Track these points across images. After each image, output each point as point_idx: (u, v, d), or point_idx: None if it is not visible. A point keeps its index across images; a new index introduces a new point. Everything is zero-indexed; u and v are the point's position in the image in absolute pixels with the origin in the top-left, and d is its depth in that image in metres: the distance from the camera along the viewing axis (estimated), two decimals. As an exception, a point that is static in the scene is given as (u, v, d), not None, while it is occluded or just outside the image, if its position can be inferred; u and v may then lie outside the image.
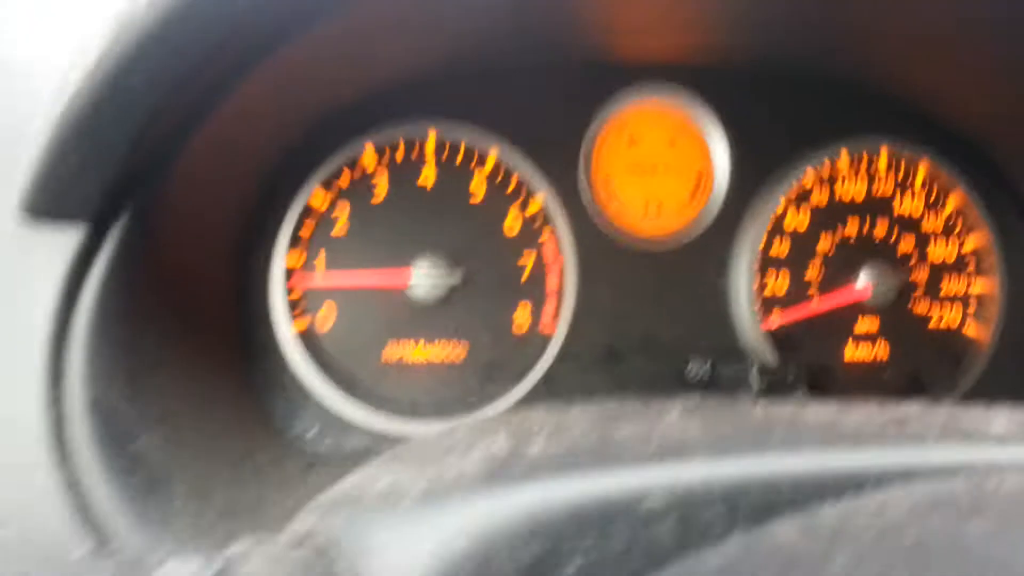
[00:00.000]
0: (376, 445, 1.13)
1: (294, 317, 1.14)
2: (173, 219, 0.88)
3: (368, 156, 1.17)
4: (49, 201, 0.75)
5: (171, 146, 0.80)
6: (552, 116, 1.21)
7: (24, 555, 0.70)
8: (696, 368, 1.21)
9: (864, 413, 0.66)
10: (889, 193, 1.28)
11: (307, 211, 1.15)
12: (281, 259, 1.13)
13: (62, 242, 0.76)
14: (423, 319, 1.18)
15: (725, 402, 0.75)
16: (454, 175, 1.19)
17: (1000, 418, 0.63)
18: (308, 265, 1.16)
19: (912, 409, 0.69)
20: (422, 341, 1.18)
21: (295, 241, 1.14)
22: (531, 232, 1.21)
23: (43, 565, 0.69)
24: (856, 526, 0.42)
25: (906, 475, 0.52)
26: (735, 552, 0.45)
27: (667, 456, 0.54)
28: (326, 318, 1.16)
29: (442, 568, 0.48)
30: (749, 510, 0.51)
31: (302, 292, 1.16)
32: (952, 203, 1.29)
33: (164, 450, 0.81)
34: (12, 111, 0.81)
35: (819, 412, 0.67)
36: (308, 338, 1.15)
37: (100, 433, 0.76)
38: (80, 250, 0.76)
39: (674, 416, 0.67)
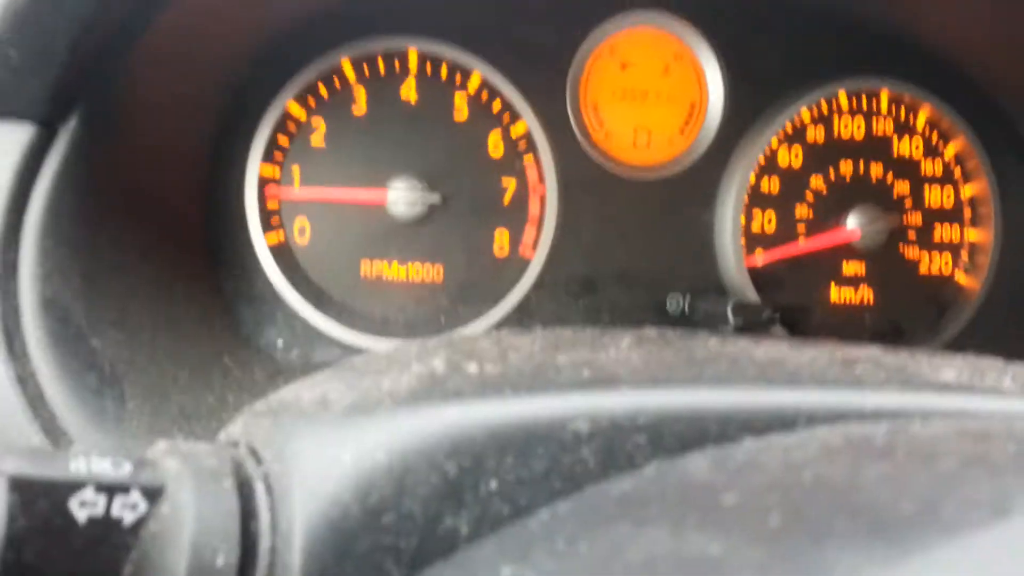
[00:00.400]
0: (344, 357, 1.13)
1: (269, 228, 1.13)
2: (132, 120, 0.86)
3: (347, 68, 1.13)
4: None
5: (120, 45, 0.77)
6: (540, 37, 1.17)
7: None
8: (674, 302, 1.20)
9: (817, 353, 0.65)
10: (888, 133, 1.24)
11: (283, 122, 1.12)
12: (255, 169, 1.11)
13: (11, 138, 0.75)
14: (401, 237, 1.16)
15: (684, 335, 0.74)
16: (437, 91, 1.16)
17: (953, 367, 0.62)
18: (285, 177, 1.14)
19: (869, 352, 0.68)
20: (395, 262, 1.16)
21: (271, 152, 1.12)
22: (515, 155, 1.18)
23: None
24: (763, 463, 0.41)
25: (835, 416, 0.51)
26: (645, 479, 0.44)
27: (597, 384, 0.53)
28: (302, 231, 1.15)
29: (359, 480, 0.47)
30: (673, 441, 0.50)
31: (278, 204, 1.14)
32: (952, 148, 1.24)
33: (119, 352, 0.81)
34: None
35: (771, 349, 0.66)
36: (283, 250, 1.14)
37: (53, 331, 0.76)
38: (29, 148, 0.75)
39: (623, 345, 0.66)
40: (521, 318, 1.18)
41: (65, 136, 0.77)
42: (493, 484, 0.49)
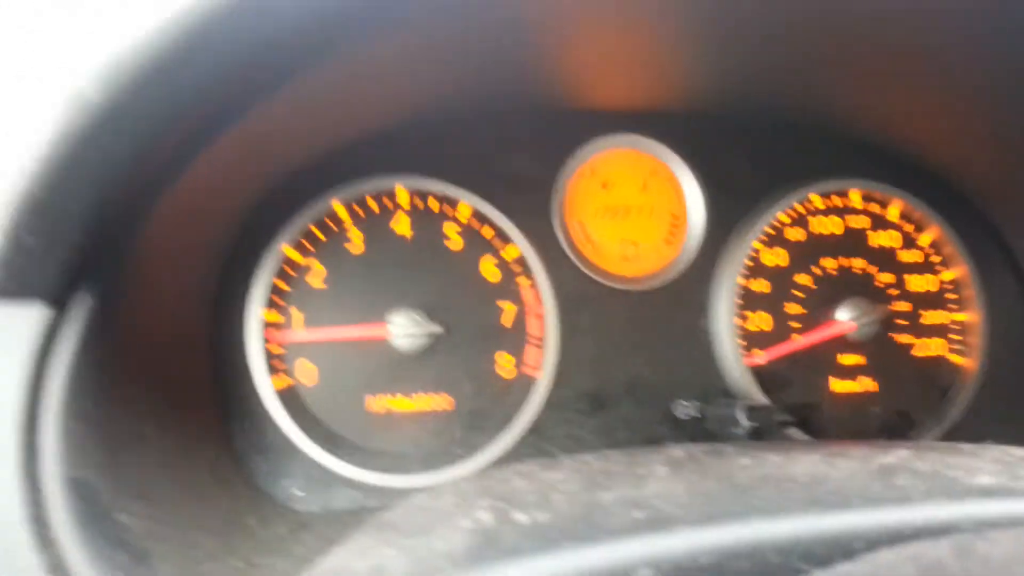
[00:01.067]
0: (365, 501, 1.11)
1: (274, 373, 1.13)
2: (139, 289, 0.87)
3: (339, 210, 1.16)
4: (6, 282, 0.74)
5: (132, 219, 0.79)
6: (522, 164, 1.22)
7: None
8: (683, 410, 1.21)
9: (852, 464, 0.66)
10: (865, 227, 1.29)
11: (281, 267, 1.14)
12: (258, 315, 1.12)
13: (26, 320, 0.75)
14: (405, 370, 1.17)
15: (711, 452, 0.74)
16: (429, 224, 1.19)
17: (985, 467, 0.63)
18: (286, 321, 1.15)
19: (900, 456, 0.69)
20: (401, 395, 1.17)
21: (272, 298, 1.13)
22: (510, 278, 1.21)
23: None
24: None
25: (894, 536, 0.52)
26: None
27: (653, 526, 0.53)
28: (307, 373, 1.15)
29: (430, 654, 0.47)
30: (738, 580, 0.50)
31: (281, 348, 1.15)
32: (928, 237, 1.30)
33: (147, 525, 0.79)
34: None
35: (807, 466, 0.67)
36: (290, 394, 1.14)
37: (80, 511, 0.74)
38: (44, 328, 0.75)
39: (661, 474, 0.66)
40: (535, 440, 1.18)
41: (76, 311, 0.78)
42: (566, 643, 0.48)
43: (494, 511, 0.59)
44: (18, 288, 0.75)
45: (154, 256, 0.88)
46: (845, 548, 0.52)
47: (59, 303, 0.77)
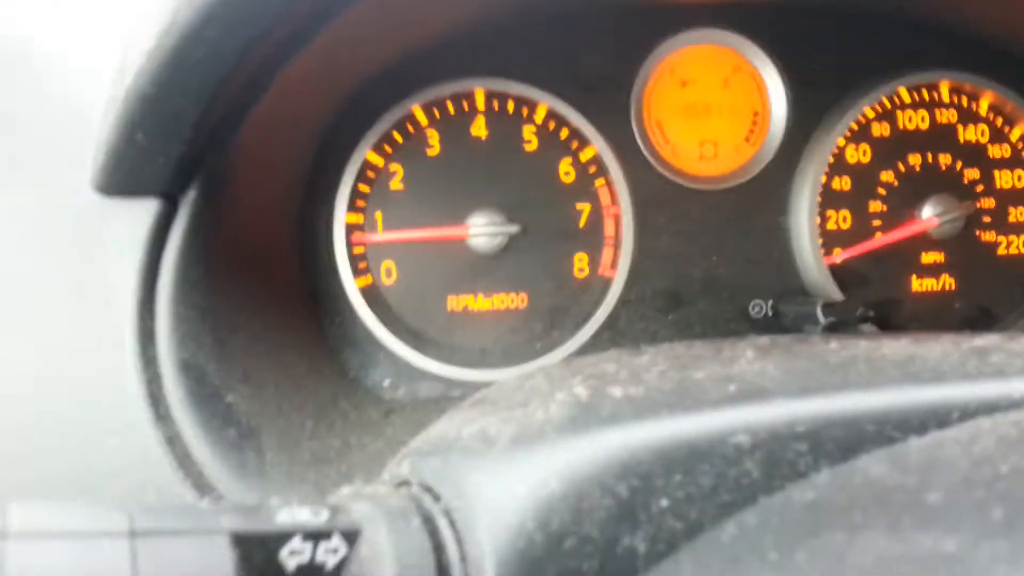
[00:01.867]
0: (449, 391, 1.16)
1: (359, 273, 1.17)
2: (238, 187, 0.90)
3: (418, 114, 1.17)
4: (119, 180, 0.78)
5: (233, 118, 0.82)
6: (599, 64, 1.20)
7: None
8: (758, 307, 1.21)
9: (941, 346, 0.66)
10: (953, 122, 1.25)
11: (363, 171, 1.16)
12: (341, 218, 1.15)
13: (137, 215, 0.80)
14: (483, 270, 1.19)
15: (797, 339, 0.75)
16: (506, 125, 1.19)
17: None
18: (368, 222, 1.18)
19: (989, 340, 0.69)
20: (481, 294, 1.20)
21: (353, 200, 1.16)
22: (586, 179, 1.22)
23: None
24: (947, 457, 0.43)
25: (991, 407, 0.53)
26: (827, 486, 0.46)
27: (749, 397, 0.55)
28: (388, 272, 1.19)
29: (538, 508, 0.50)
30: (834, 446, 0.52)
31: (364, 249, 1.18)
32: (1018, 131, 1.25)
33: (252, 406, 0.85)
34: (76, 92, 0.84)
35: (895, 346, 0.67)
36: (373, 293, 1.18)
37: (193, 392, 0.80)
38: (155, 223, 0.79)
39: (749, 355, 0.68)
40: (613, 336, 1.20)
41: (186, 206, 0.82)
42: (664, 502, 0.51)
43: (588, 387, 0.62)
44: (131, 185, 0.79)
45: (250, 158, 0.91)
46: (941, 419, 0.53)
47: (168, 198, 0.81)
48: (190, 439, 0.78)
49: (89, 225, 0.80)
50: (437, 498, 0.54)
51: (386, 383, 1.15)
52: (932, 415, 0.53)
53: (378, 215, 1.18)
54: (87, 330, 0.78)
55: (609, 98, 1.20)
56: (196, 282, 0.82)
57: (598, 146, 1.19)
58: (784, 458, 0.52)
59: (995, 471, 0.39)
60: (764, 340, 0.77)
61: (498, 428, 0.57)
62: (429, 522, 0.52)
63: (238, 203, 0.91)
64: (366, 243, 1.18)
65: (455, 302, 1.20)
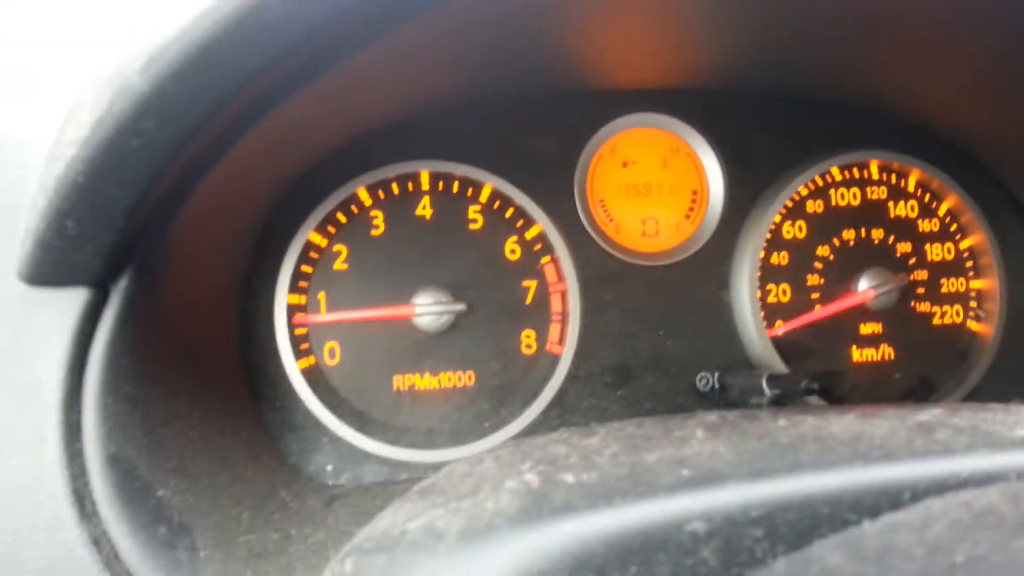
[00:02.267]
0: (396, 475, 1.12)
1: (301, 355, 1.14)
2: (174, 272, 0.88)
3: (363, 195, 1.17)
4: (48, 270, 0.75)
5: (169, 206, 0.80)
6: (543, 146, 1.22)
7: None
8: (705, 380, 1.22)
9: (888, 422, 0.67)
10: (883, 197, 1.29)
11: (307, 251, 1.15)
12: (283, 300, 1.13)
13: (65, 305, 0.76)
14: (429, 349, 1.18)
15: (745, 416, 0.75)
16: (451, 205, 1.20)
17: (1022, 419, 0.64)
18: (311, 303, 1.16)
19: (933, 414, 0.70)
20: (427, 373, 1.18)
21: (296, 281, 1.14)
22: (532, 256, 1.22)
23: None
24: (902, 545, 0.42)
25: (940, 486, 0.53)
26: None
27: (704, 483, 0.54)
28: (333, 354, 1.16)
29: (489, 608, 0.48)
30: (789, 531, 0.51)
31: (307, 330, 1.15)
32: (946, 205, 1.31)
33: (184, 499, 0.80)
34: (3, 179, 0.81)
35: (842, 423, 0.67)
36: (317, 375, 1.15)
37: (120, 487, 0.75)
38: (83, 313, 0.76)
39: (698, 436, 0.67)
40: (561, 412, 1.19)
41: (117, 295, 0.79)
42: (620, 595, 0.49)
43: (539, 473, 0.60)
44: (60, 274, 0.76)
45: (188, 242, 0.89)
46: (893, 499, 0.53)
47: (99, 287, 0.78)
48: (118, 538, 0.74)
49: (13, 315, 0.76)
50: (382, 600, 0.51)
51: (329, 468, 1.11)
52: (884, 496, 0.52)
53: (321, 295, 1.16)
54: (10, 423, 0.74)
55: (553, 178, 1.22)
56: (126, 372, 0.79)
57: (543, 224, 1.20)
58: (741, 545, 0.51)
59: (951, 560, 0.38)
60: (713, 417, 0.76)
61: (446, 521, 0.55)
62: (375, 628, 0.49)
63: (173, 289, 0.88)
64: (308, 324, 1.16)
65: (401, 381, 1.17)
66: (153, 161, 0.68)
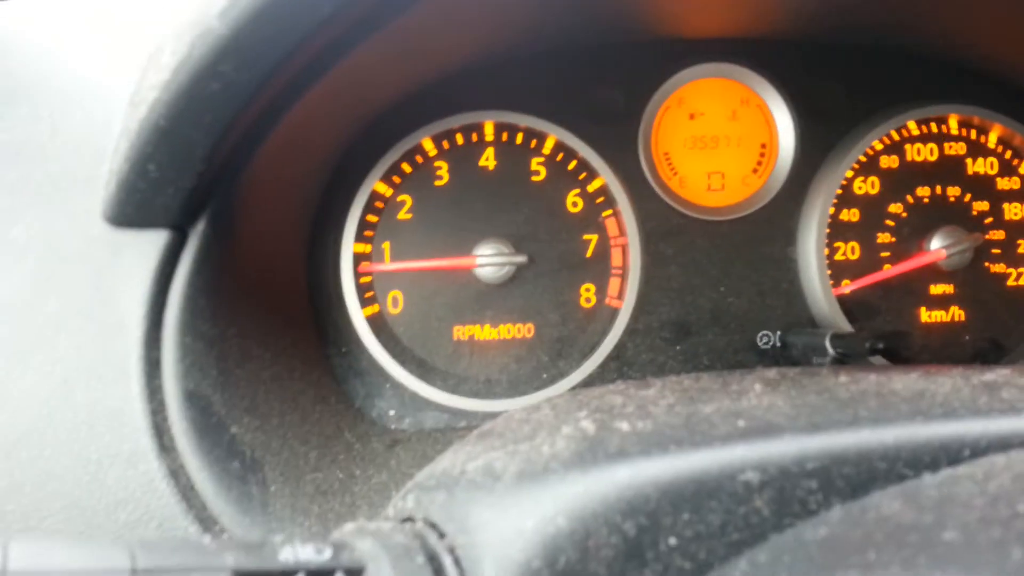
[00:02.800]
0: (455, 422, 1.15)
1: (365, 303, 1.17)
2: (247, 218, 0.91)
3: (427, 145, 1.18)
4: (130, 212, 0.78)
5: (245, 151, 0.82)
6: (608, 96, 1.21)
7: (143, 536, 0.74)
8: (766, 338, 1.21)
9: (952, 380, 0.66)
10: (962, 154, 1.25)
11: (372, 201, 1.17)
12: (349, 248, 1.16)
13: (146, 246, 0.80)
14: (490, 300, 1.19)
15: (805, 372, 0.75)
16: (514, 157, 1.20)
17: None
18: (376, 252, 1.18)
19: (1000, 374, 0.68)
20: (487, 324, 1.19)
21: (361, 231, 1.17)
22: (594, 210, 1.22)
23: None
24: (963, 495, 0.42)
25: (1003, 444, 0.52)
26: (839, 523, 0.45)
27: (760, 433, 0.54)
28: (395, 302, 1.19)
29: (544, 546, 0.49)
30: (845, 483, 0.51)
31: (371, 278, 1.18)
32: (1027, 162, 1.25)
33: (256, 437, 0.84)
34: (89, 122, 0.85)
35: (905, 380, 0.66)
36: (380, 322, 1.17)
37: (197, 422, 0.79)
38: (164, 254, 0.80)
39: (757, 389, 0.67)
40: (619, 367, 1.20)
41: (195, 238, 0.82)
42: (672, 540, 0.50)
43: (594, 421, 0.61)
44: (142, 216, 0.80)
45: (260, 189, 0.92)
46: (953, 455, 0.52)
47: (178, 229, 0.81)
48: (194, 471, 0.78)
49: (99, 255, 0.80)
50: (442, 535, 0.53)
51: (391, 413, 1.14)
52: (943, 452, 0.52)
53: (385, 245, 1.18)
54: (93, 359, 0.78)
55: (617, 130, 1.21)
56: (203, 312, 0.82)
57: (606, 177, 1.20)
58: (794, 496, 0.51)
59: (1012, 510, 0.38)
60: (772, 373, 0.76)
61: (503, 463, 0.57)
62: (434, 560, 0.51)
63: (247, 234, 0.91)
64: (373, 273, 1.18)
65: (461, 332, 1.19)
66: (231, 105, 0.70)
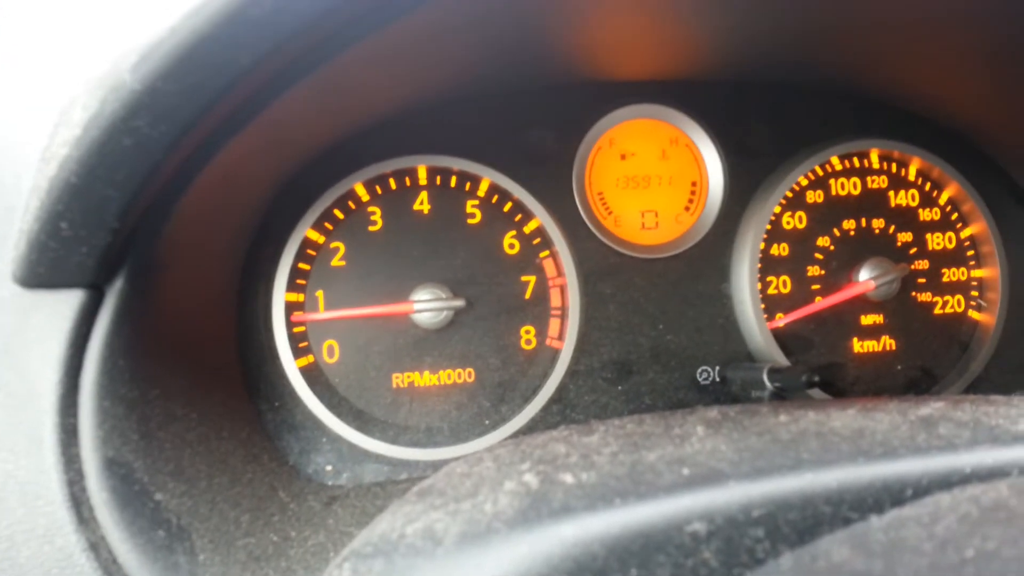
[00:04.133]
0: (396, 474, 1.12)
1: (299, 353, 1.13)
2: (169, 273, 0.87)
3: (360, 191, 1.16)
4: (42, 272, 0.74)
5: (164, 205, 0.79)
6: (541, 138, 1.21)
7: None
8: (705, 373, 1.21)
9: (889, 416, 0.66)
10: (884, 187, 1.28)
11: (304, 248, 1.14)
12: (281, 298, 1.12)
13: (60, 306, 0.75)
14: (429, 346, 1.17)
15: (745, 411, 0.74)
16: (449, 200, 1.19)
17: (1023, 411, 0.63)
18: (309, 301, 1.15)
19: (935, 407, 0.69)
20: (427, 371, 1.17)
21: (294, 278, 1.14)
22: (531, 251, 1.21)
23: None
24: (911, 540, 0.42)
25: (944, 483, 0.52)
26: (791, 572, 0.44)
27: (704, 482, 0.53)
28: (332, 353, 1.15)
29: (489, 613, 0.47)
30: (791, 530, 0.50)
31: (305, 328, 1.15)
32: (947, 194, 1.30)
33: (183, 503, 0.80)
34: None
35: (843, 418, 0.67)
36: (315, 374, 1.14)
37: (118, 491, 0.75)
38: (78, 315, 0.75)
39: (700, 434, 0.66)
40: (562, 409, 1.19)
41: (112, 296, 0.78)
42: (621, 597, 0.49)
43: (538, 473, 0.60)
44: (54, 276, 0.75)
45: (182, 242, 0.88)
46: (895, 496, 0.52)
47: (94, 288, 0.77)
48: (116, 543, 0.73)
49: (9, 318, 0.75)
50: (381, 605, 0.50)
51: (328, 468, 1.10)
52: (886, 492, 0.52)
53: (319, 293, 1.15)
54: (5, 427, 0.73)
55: (551, 171, 1.21)
56: (122, 374, 0.78)
57: (542, 219, 1.20)
58: (742, 545, 0.50)
59: (961, 555, 0.38)
60: (714, 412, 0.76)
61: (444, 524, 0.54)
62: (373, 634, 0.49)
63: (169, 289, 0.87)
64: (307, 322, 1.15)
65: (400, 379, 1.17)
66: (146, 160, 0.67)
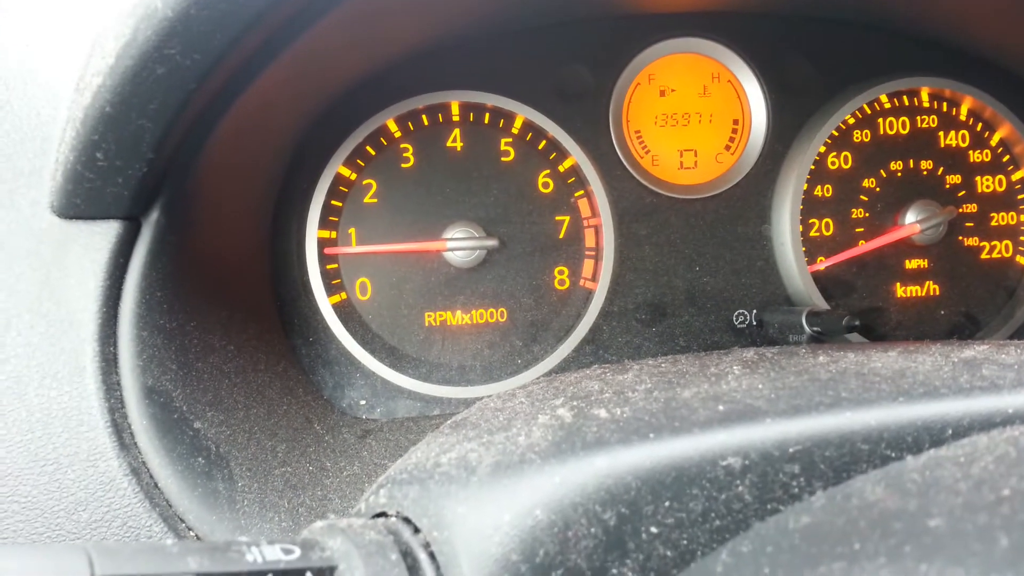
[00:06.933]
0: (428, 410, 1.13)
1: (332, 290, 1.14)
2: (204, 206, 0.87)
3: (392, 127, 1.15)
4: (79, 203, 0.75)
5: (198, 137, 0.79)
6: (577, 74, 1.18)
7: (105, 537, 0.71)
8: (741, 317, 1.20)
9: (931, 358, 0.65)
10: (934, 127, 1.24)
11: (336, 186, 1.13)
12: (314, 234, 1.12)
13: (98, 238, 0.76)
14: (461, 284, 1.17)
15: (783, 352, 0.73)
16: (482, 137, 1.17)
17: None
18: (342, 237, 1.15)
19: (979, 350, 0.68)
20: (459, 310, 1.17)
21: (327, 215, 1.13)
22: (565, 190, 1.20)
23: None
24: (946, 479, 0.41)
25: (985, 423, 0.51)
26: (823, 510, 0.44)
27: (740, 418, 0.53)
28: (363, 289, 1.16)
29: (523, 539, 0.48)
30: (827, 467, 0.50)
31: (338, 265, 1.15)
32: (998, 135, 1.25)
33: (221, 432, 0.82)
34: (34, 111, 0.81)
35: (884, 359, 0.65)
36: (348, 309, 1.15)
37: (158, 419, 0.76)
38: (116, 246, 0.76)
39: (736, 371, 0.66)
40: (595, 349, 1.18)
41: (148, 227, 0.79)
42: (653, 529, 0.49)
43: (571, 408, 0.60)
44: (91, 207, 0.76)
45: (217, 175, 0.88)
46: (935, 436, 0.51)
47: (131, 220, 0.78)
48: (156, 468, 0.75)
49: (47, 249, 0.76)
50: (416, 530, 0.51)
51: (362, 403, 1.12)
52: (926, 432, 0.51)
53: (351, 230, 1.15)
54: (47, 357, 0.75)
55: (587, 108, 1.18)
56: (160, 305, 0.79)
57: (577, 157, 1.18)
58: (777, 480, 0.50)
59: (997, 494, 0.37)
60: (751, 353, 0.75)
61: (479, 454, 0.55)
62: (408, 556, 0.49)
63: (204, 222, 0.88)
64: (339, 258, 1.15)
65: (432, 318, 1.17)
66: (179, 89, 0.67)
